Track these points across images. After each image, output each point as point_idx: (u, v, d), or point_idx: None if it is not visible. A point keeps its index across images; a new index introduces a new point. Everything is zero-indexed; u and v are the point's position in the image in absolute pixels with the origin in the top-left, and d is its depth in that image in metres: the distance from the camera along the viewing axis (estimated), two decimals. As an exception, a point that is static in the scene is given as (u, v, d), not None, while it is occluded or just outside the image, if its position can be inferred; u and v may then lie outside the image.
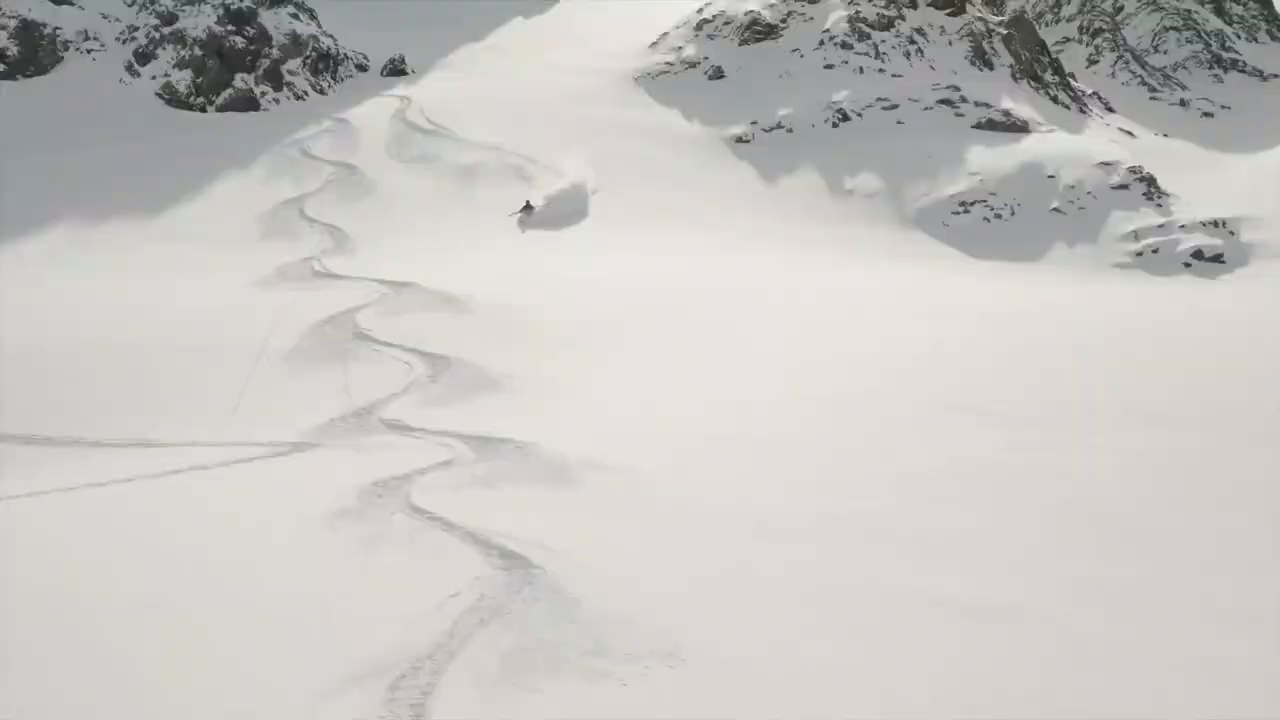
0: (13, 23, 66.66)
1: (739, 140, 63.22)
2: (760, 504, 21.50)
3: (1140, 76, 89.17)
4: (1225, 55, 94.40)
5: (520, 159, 57.27)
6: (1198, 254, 51.98)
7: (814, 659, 15.86)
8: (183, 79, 66.48)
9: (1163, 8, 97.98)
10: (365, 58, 73.99)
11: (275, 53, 69.32)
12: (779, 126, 64.39)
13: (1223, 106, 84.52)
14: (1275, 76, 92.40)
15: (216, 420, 26.41)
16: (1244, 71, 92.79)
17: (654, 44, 74.53)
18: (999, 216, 55.58)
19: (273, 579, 18.06)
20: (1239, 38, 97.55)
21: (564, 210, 51.70)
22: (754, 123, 64.44)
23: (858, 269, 46.29)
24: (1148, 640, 16.71)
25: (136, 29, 68.45)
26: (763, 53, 72.08)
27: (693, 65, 71.53)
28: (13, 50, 66.11)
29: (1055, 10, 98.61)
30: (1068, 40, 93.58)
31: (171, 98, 65.81)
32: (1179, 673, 15.85)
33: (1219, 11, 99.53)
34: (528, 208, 51.33)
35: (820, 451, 24.57)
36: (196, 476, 23.07)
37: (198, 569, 18.49)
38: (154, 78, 66.61)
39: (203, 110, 65.99)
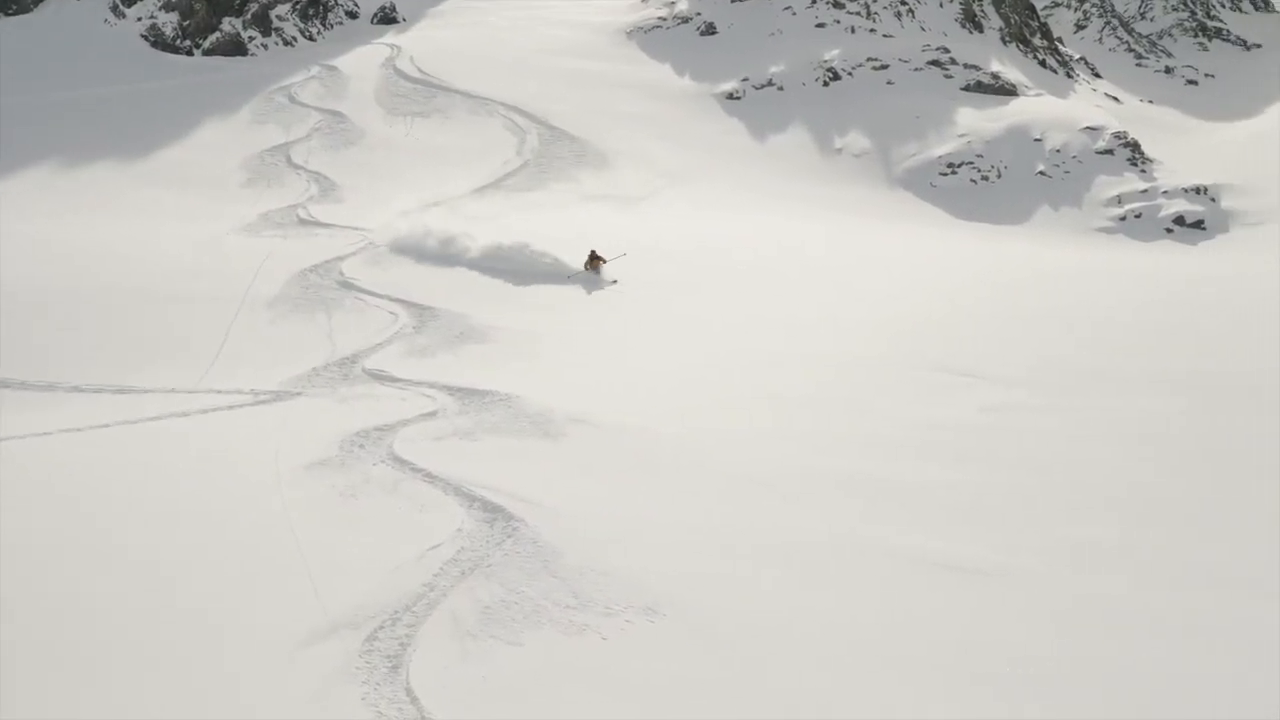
0: (-3, -39, 66.06)
1: (730, 97, 62.91)
2: (741, 460, 21.53)
3: (1127, 43, 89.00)
4: (1210, 24, 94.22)
5: (510, 110, 56.93)
6: (1179, 220, 52.17)
7: (796, 612, 15.94)
8: (169, 21, 65.76)
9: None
10: (355, 4, 73.28)
11: (264, -3, 68.68)
12: (770, 84, 64.03)
13: (1207, 74, 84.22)
14: (1258, 46, 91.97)
15: (197, 367, 26.33)
16: (1228, 40, 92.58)
17: (646, -2, 74.13)
18: (985, 178, 55.53)
19: (251, 528, 18.07)
20: (1224, 6, 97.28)
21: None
22: (745, 79, 64.08)
23: (847, 229, 46.19)
24: (1131, 602, 16.78)
25: (123, -31, 67.75)
26: (755, 9, 71.63)
27: (685, 20, 71.09)
28: (-4, -12, 65.53)
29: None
30: (1056, 5, 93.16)
31: (157, 40, 65.09)
32: (1163, 633, 15.93)
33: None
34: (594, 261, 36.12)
35: (805, 410, 24.60)
36: (175, 423, 23.03)
37: (174, 517, 18.47)
38: (139, 19, 65.81)
39: (189, 54, 65.23)
